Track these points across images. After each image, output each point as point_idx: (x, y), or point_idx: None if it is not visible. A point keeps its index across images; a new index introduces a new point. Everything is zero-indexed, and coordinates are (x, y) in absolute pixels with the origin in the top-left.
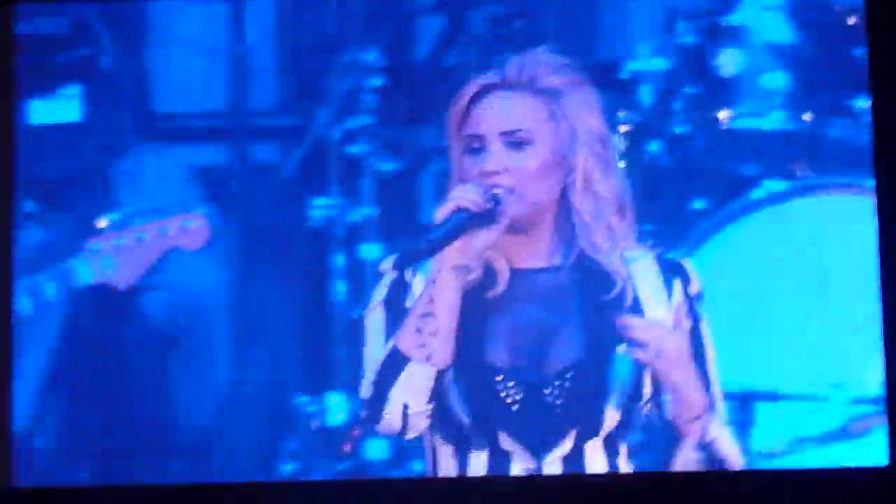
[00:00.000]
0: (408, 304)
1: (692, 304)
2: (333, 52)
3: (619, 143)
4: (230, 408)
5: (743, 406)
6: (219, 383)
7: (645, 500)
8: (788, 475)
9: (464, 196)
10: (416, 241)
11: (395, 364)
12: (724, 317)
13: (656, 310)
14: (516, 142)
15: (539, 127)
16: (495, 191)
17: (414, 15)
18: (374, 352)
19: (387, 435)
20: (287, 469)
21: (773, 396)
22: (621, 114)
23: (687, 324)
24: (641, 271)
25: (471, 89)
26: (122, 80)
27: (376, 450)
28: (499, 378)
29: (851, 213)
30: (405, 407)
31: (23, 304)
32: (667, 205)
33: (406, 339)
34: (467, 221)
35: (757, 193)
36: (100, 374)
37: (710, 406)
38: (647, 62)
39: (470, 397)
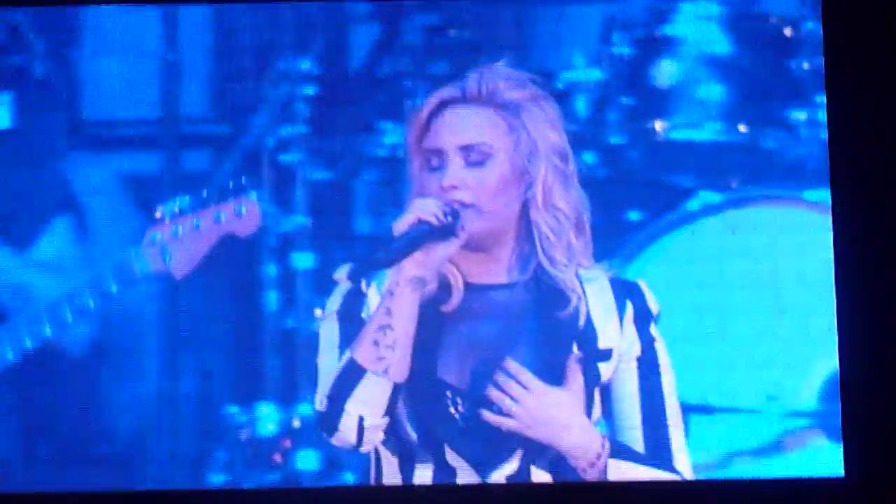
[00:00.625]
0: (363, 314)
1: (646, 325)
2: (267, 60)
3: None
4: (160, 416)
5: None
6: (149, 391)
7: None
8: (740, 485)
9: (424, 209)
10: (370, 251)
11: (351, 376)
12: (662, 328)
13: (608, 330)
14: (476, 156)
15: (499, 141)
16: (455, 205)
17: (348, 23)
18: (328, 363)
19: (318, 446)
20: (216, 479)
21: (706, 409)
22: None
23: (637, 348)
24: (596, 291)
25: (431, 103)
26: (54, 88)
27: (307, 461)
28: (448, 393)
29: (785, 224)
30: (361, 420)
31: None
32: (602, 216)
33: (363, 352)
34: (427, 234)
35: (692, 205)
36: (28, 381)
37: (605, 446)
38: (582, 72)
39: (419, 411)
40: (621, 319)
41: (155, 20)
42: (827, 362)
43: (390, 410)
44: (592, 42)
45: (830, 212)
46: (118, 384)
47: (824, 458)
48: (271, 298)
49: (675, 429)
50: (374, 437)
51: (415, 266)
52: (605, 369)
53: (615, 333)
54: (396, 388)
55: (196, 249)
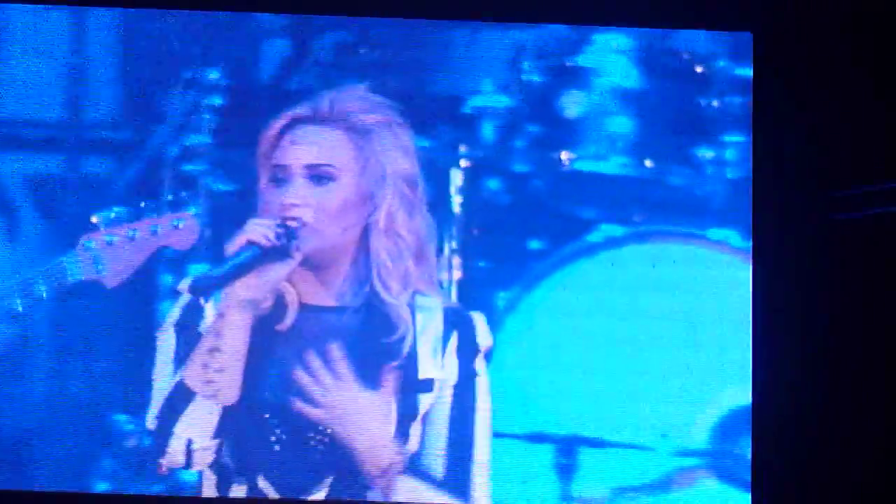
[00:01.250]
0: (200, 328)
1: (470, 357)
2: (175, 68)
3: (458, 179)
4: (47, 421)
5: (567, 451)
6: (37, 395)
7: None
8: None
9: (256, 230)
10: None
11: (180, 399)
12: (554, 358)
13: (430, 361)
14: (320, 176)
15: (345, 164)
16: (290, 224)
17: (260, 36)
18: (162, 378)
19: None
20: (101, 487)
21: (598, 443)
22: (462, 148)
23: (454, 377)
24: (428, 320)
25: (282, 120)
26: None
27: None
28: (267, 416)
29: (688, 260)
30: (189, 442)
31: None
32: (504, 243)
33: (193, 375)
34: (258, 257)
35: (594, 237)
36: None
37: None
38: (490, 98)
39: (240, 435)
40: (444, 349)
41: (64, 21)
42: (728, 400)
43: (219, 432)
44: (503, 68)
45: (730, 251)
46: (6, 386)
47: (712, 500)
48: (166, 308)
49: (478, 461)
50: (205, 459)
51: (245, 289)
52: (424, 400)
53: (437, 364)
54: (225, 411)
55: (130, 259)
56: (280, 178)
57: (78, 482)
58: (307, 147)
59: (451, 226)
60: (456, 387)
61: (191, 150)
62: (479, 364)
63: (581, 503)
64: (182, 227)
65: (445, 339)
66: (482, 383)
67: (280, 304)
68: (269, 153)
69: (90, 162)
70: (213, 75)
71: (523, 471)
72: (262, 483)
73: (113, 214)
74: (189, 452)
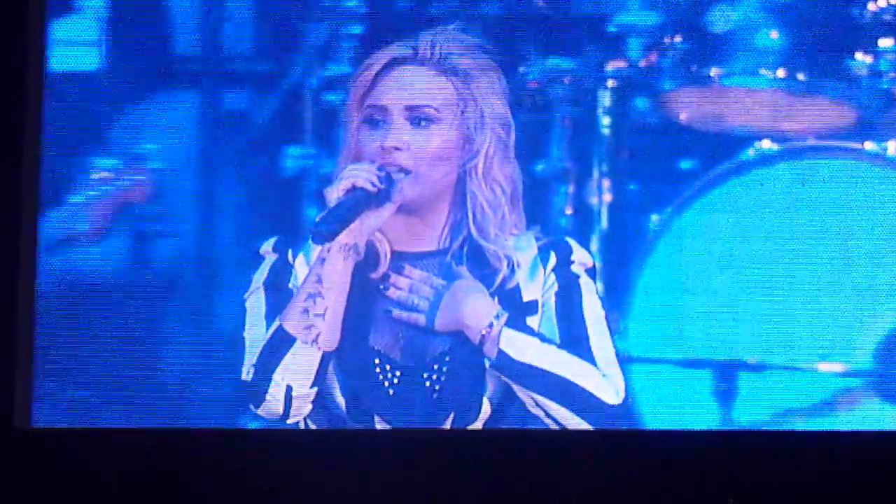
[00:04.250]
0: (290, 285)
1: (566, 267)
2: None
3: (606, 99)
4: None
5: (726, 376)
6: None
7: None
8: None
9: (359, 175)
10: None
11: (279, 345)
12: (706, 282)
13: (531, 286)
14: (420, 118)
15: (445, 106)
16: (390, 168)
17: None
18: (256, 334)
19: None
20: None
21: (757, 367)
22: (609, 67)
23: (556, 286)
24: (524, 257)
25: (379, 60)
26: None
27: None
28: (377, 361)
29: (842, 176)
30: (289, 389)
31: None
32: (653, 164)
33: (292, 320)
34: (363, 201)
35: (746, 155)
36: None
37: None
38: (636, 15)
39: (349, 380)
40: (545, 269)
41: None
42: (887, 319)
43: (319, 380)
44: None
45: (888, 165)
46: None
47: (877, 418)
48: None
49: (594, 330)
50: (302, 408)
51: (348, 234)
52: (531, 321)
53: (538, 287)
54: (325, 358)
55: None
56: (377, 119)
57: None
58: (408, 88)
59: (601, 148)
60: (558, 294)
61: (332, 79)
62: (579, 270)
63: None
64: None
65: (544, 261)
66: (586, 282)
67: (372, 254)
68: (364, 94)
69: (229, 96)
70: (351, 2)
71: (681, 396)
72: (379, 424)
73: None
74: (288, 400)
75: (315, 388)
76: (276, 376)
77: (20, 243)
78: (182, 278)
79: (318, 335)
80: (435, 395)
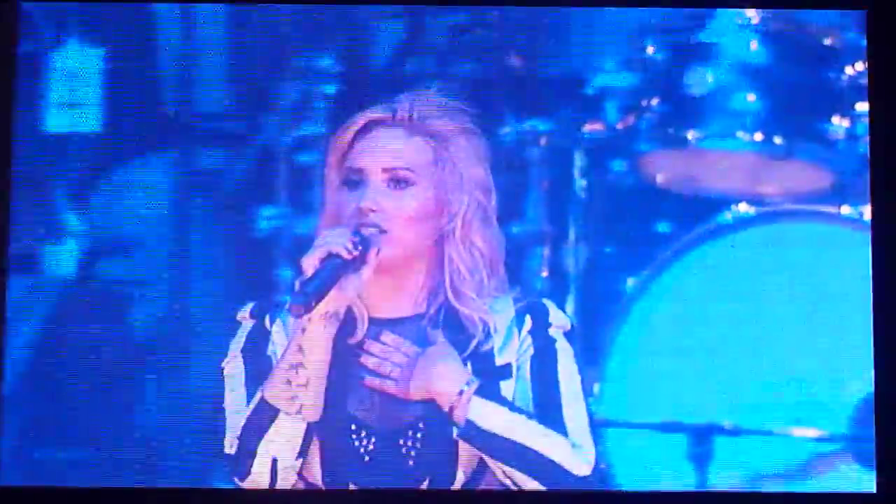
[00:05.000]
0: (269, 352)
1: (544, 330)
2: (284, 56)
3: (581, 161)
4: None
5: (701, 440)
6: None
7: None
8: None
9: (336, 241)
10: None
11: (263, 417)
12: (682, 344)
13: (504, 346)
14: (398, 179)
15: (423, 169)
16: (365, 232)
17: (370, 21)
18: (235, 404)
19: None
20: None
21: (734, 431)
22: (586, 129)
23: (532, 349)
24: (501, 317)
25: (357, 122)
26: None
27: None
28: (353, 427)
29: (820, 239)
30: (274, 461)
31: None
32: (630, 226)
33: (275, 392)
34: (340, 267)
35: (723, 218)
36: None
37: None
38: (613, 77)
39: (327, 450)
40: (520, 332)
41: (175, 15)
42: (861, 383)
43: (304, 451)
44: (625, 46)
45: (869, 228)
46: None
47: (854, 481)
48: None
49: (568, 396)
50: (288, 479)
51: (328, 301)
52: (505, 386)
53: (513, 350)
54: (310, 428)
55: None
56: (355, 180)
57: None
58: (386, 150)
59: (577, 209)
60: (534, 357)
61: (305, 139)
62: (556, 334)
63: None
64: None
65: (520, 324)
66: (563, 346)
67: (350, 316)
68: (342, 156)
69: (202, 155)
70: (325, 62)
71: (656, 459)
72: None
73: None
74: (274, 472)
75: (300, 460)
76: (261, 449)
77: None
78: (156, 340)
79: (301, 406)
80: (410, 462)
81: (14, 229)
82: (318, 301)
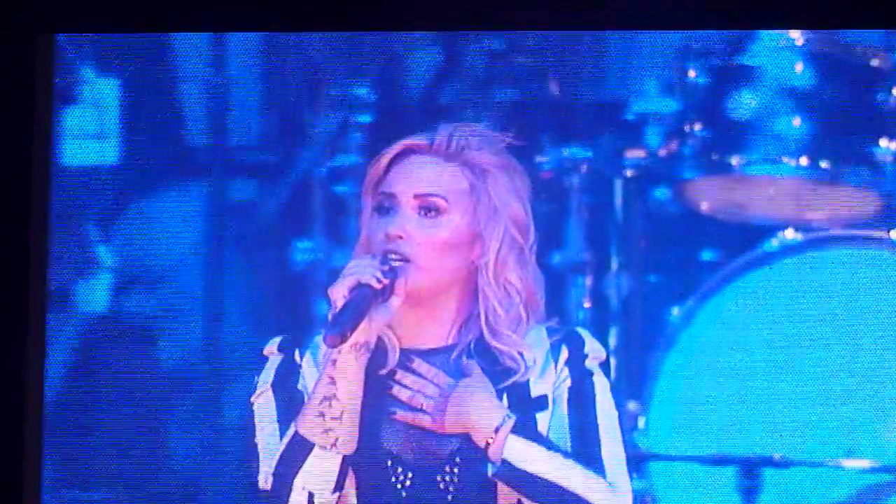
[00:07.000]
0: (299, 386)
1: (580, 362)
2: (319, 86)
3: (623, 189)
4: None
5: (749, 472)
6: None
7: None
8: None
9: (363, 271)
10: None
11: (298, 451)
12: (731, 374)
13: (539, 378)
14: (429, 207)
15: (457, 197)
16: (394, 261)
17: (406, 49)
18: (267, 439)
19: None
20: None
21: (783, 463)
22: (627, 155)
23: (568, 381)
24: (537, 352)
25: (394, 149)
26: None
27: None
28: (389, 463)
29: (865, 263)
30: (311, 496)
31: None
32: (674, 254)
33: (309, 425)
34: (370, 298)
35: (769, 245)
36: None
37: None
38: (655, 102)
39: (364, 485)
40: (556, 363)
41: (205, 46)
42: None
43: (340, 485)
44: (665, 71)
45: None
46: None
47: None
48: None
49: (606, 433)
50: None
51: (359, 332)
52: (541, 418)
53: (549, 382)
54: (346, 461)
55: None
56: (386, 206)
57: None
58: (419, 176)
59: (619, 238)
60: (571, 389)
61: (341, 170)
62: (593, 366)
63: None
64: None
65: (555, 355)
66: (600, 381)
67: (380, 347)
68: (377, 182)
69: (236, 187)
70: (361, 91)
71: (703, 493)
72: None
73: None
74: None
75: (337, 494)
76: (297, 483)
77: (28, 337)
78: (189, 373)
79: (336, 440)
80: (449, 497)
81: (52, 264)
82: (353, 330)
